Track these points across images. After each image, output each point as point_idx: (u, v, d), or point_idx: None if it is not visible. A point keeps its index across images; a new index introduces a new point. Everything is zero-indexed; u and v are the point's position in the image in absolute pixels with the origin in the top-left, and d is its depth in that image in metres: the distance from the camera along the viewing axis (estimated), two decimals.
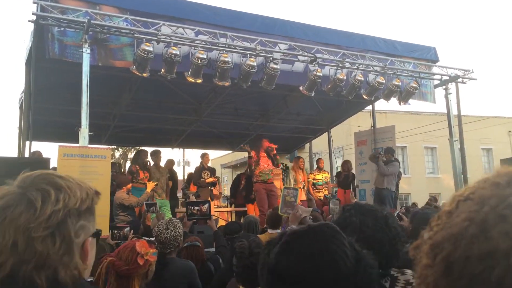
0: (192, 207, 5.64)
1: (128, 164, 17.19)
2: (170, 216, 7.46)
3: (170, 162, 10.47)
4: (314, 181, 10.12)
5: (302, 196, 9.72)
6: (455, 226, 0.57)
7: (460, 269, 0.53)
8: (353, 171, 10.67)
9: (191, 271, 3.38)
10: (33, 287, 0.99)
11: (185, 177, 13.50)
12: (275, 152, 8.75)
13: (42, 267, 1.00)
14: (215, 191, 9.82)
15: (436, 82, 8.93)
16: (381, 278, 1.69)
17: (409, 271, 1.75)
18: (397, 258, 1.76)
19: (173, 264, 3.30)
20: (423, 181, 26.47)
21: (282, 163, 12.90)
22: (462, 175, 8.72)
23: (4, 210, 1.01)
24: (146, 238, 4.71)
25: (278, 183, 8.89)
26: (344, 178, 10.35)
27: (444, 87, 8.76)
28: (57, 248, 1.03)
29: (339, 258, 0.96)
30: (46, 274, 1.01)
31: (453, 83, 8.82)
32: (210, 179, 9.38)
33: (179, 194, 11.05)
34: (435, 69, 8.93)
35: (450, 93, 8.80)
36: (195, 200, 7.98)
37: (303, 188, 9.71)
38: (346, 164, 10.57)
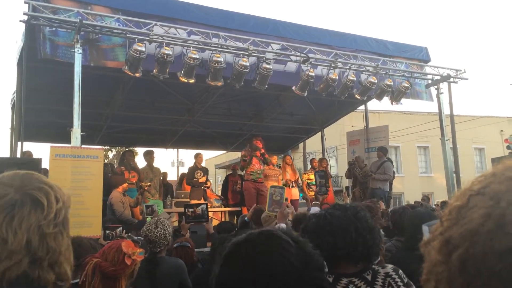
0: (188, 209, 5.62)
1: None
2: None
3: (164, 175, 10.48)
4: (308, 181, 10.11)
5: (295, 195, 9.70)
6: (471, 222, 0.55)
7: (477, 266, 0.52)
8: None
9: (182, 270, 3.39)
10: (44, 284, 1.01)
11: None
12: (263, 151, 8.76)
13: (55, 263, 1.04)
14: (208, 192, 9.82)
15: (428, 82, 8.99)
16: (363, 272, 1.76)
17: (389, 265, 1.83)
18: (376, 252, 1.83)
19: (164, 263, 3.31)
20: (416, 180, 26.63)
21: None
22: (454, 174, 8.78)
23: (7, 209, 1.02)
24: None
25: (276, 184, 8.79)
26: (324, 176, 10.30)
27: (436, 86, 8.82)
28: (66, 245, 1.07)
29: (277, 267, 0.94)
30: (56, 271, 1.04)
31: (445, 83, 8.87)
32: (203, 179, 9.36)
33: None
34: (427, 69, 8.98)
35: (442, 93, 8.85)
36: (194, 202, 7.94)
37: (292, 186, 9.65)
38: (321, 162, 10.47)
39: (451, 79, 8.68)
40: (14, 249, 0.99)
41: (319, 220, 1.85)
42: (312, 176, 10.08)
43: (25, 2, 5.62)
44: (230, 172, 11.24)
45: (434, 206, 10.62)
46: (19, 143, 7.08)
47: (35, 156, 7.95)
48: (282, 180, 9.49)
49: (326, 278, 1.07)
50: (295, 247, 0.99)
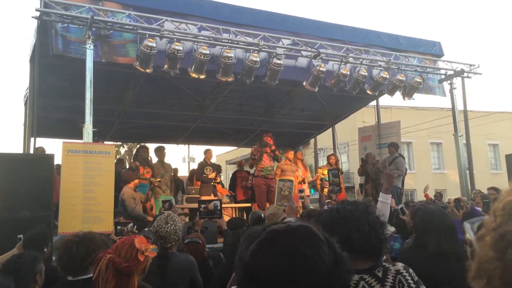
0: (201, 205, 5.63)
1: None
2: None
3: (175, 171, 10.51)
4: (322, 176, 10.05)
5: (307, 190, 9.67)
6: None
7: None
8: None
9: (192, 266, 3.40)
10: None
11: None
12: (273, 147, 8.76)
13: None
14: (218, 187, 9.83)
15: (441, 77, 8.87)
16: (374, 269, 1.75)
17: (400, 264, 1.83)
18: (384, 245, 1.86)
19: (175, 259, 3.32)
20: (429, 177, 26.34)
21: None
22: (467, 171, 8.66)
23: None
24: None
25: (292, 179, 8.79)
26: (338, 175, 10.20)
27: (449, 81, 8.70)
28: None
29: (312, 262, 0.95)
30: None
31: (459, 78, 8.74)
32: (213, 175, 9.37)
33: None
34: (440, 64, 8.86)
35: (455, 88, 8.74)
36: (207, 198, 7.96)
37: (304, 182, 9.61)
38: (333, 158, 10.37)
39: (465, 74, 8.56)
40: None
41: (332, 213, 1.85)
42: (326, 172, 10.02)
43: None
44: (237, 169, 11.27)
45: (445, 203, 10.49)
46: (32, 139, 7.14)
47: (47, 152, 8.02)
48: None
49: (350, 282, 1.07)
50: (327, 246, 0.99)
